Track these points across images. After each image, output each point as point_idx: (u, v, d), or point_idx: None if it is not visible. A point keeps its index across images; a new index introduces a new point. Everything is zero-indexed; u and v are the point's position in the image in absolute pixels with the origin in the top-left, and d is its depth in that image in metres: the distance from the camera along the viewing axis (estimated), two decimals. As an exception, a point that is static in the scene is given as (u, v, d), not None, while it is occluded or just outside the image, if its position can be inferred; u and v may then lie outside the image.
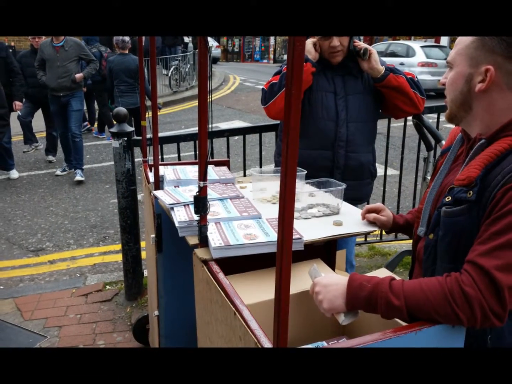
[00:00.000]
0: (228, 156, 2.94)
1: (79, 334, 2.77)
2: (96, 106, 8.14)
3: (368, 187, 2.38)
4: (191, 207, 1.45)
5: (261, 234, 1.35)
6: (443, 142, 2.79)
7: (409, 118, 2.92)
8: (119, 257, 3.65)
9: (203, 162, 1.25)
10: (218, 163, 2.21)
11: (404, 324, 1.02)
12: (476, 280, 0.97)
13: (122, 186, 2.91)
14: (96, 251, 3.99)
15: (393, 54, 12.58)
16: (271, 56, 31.45)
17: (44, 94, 5.81)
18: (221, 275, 1.19)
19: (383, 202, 3.52)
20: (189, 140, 2.94)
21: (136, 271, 3.10)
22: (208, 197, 1.31)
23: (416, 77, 2.24)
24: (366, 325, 1.27)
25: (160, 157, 2.26)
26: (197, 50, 1.26)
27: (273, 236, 1.33)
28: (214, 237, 1.32)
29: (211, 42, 22.15)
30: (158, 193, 1.76)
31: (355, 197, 2.16)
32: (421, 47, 12.30)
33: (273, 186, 1.82)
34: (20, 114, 6.18)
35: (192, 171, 2.01)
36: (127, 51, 6.26)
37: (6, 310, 3.00)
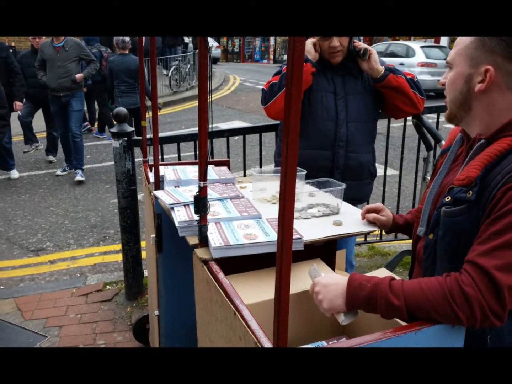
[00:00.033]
0: (228, 156, 2.94)
1: (80, 334, 2.77)
2: (96, 106, 8.14)
3: (368, 187, 2.38)
4: (191, 207, 1.45)
5: (261, 234, 1.35)
6: (443, 142, 2.79)
7: (409, 118, 2.92)
8: (119, 257, 3.65)
9: (203, 162, 1.25)
10: (218, 163, 2.21)
11: (403, 324, 1.02)
12: (475, 280, 0.97)
13: (122, 186, 2.91)
14: (96, 251, 3.99)
15: (393, 54, 12.58)
16: (271, 56, 31.45)
17: (45, 94, 5.81)
18: (221, 275, 1.20)
19: (383, 202, 3.52)
20: (189, 140, 2.94)
21: (136, 271, 3.10)
22: (208, 197, 1.31)
23: (416, 77, 2.24)
24: (366, 325, 1.27)
25: (160, 157, 2.26)
26: (197, 51, 1.26)
27: (273, 236, 1.33)
28: (214, 237, 1.32)
29: (211, 42, 22.15)
30: (158, 193, 1.76)
31: (355, 197, 2.16)
32: (421, 47, 12.30)
33: (273, 186, 1.82)
34: (20, 114, 6.18)
35: (192, 171, 2.01)
36: (127, 51, 6.27)
37: (6, 310, 3.00)
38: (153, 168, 1.93)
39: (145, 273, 3.18)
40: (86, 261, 3.80)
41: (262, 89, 2.26)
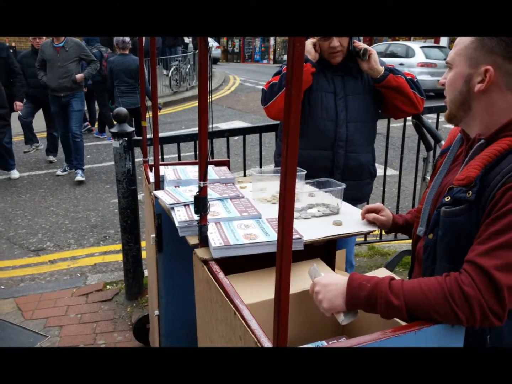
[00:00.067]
0: (228, 156, 2.94)
1: (80, 334, 2.77)
2: (96, 106, 8.15)
3: (367, 187, 2.38)
4: (191, 207, 1.45)
5: (261, 234, 1.35)
6: (443, 142, 2.79)
7: (409, 118, 2.92)
8: (119, 257, 3.65)
9: (203, 162, 1.25)
10: (218, 163, 2.21)
11: (403, 323, 1.03)
12: (475, 280, 0.97)
13: (123, 186, 2.91)
14: (96, 251, 4.00)
15: (393, 55, 12.58)
16: (271, 56, 31.45)
17: (45, 95, 5.82)
18: (221, 275, 1.20)
19: (382, 202, 3.52)
20: (189, 140, 2.94)
21: (137, 271, 3.10)
22: (208, 197, 1.31)
23: (416, 78, 2.25)
24: (365, 325, 1.27)
25: (160, 157, 2.26)
26: (197, 51, 1.26)
27: (273, 236, 1.33)
28: (214, 237, 1.32)
29: (211, 42, 22.14)
30: (158, 193, 1.76)
31: (354, 197, 2.16)
32: (421, 47, 12.30)
33: (273, 186, 1.83)
34: (21, 114, 6.18)
35: (192, 171, 2.01)
36: (127, 52, 6.27)
37: (7, 309, 3.00)
38: (153, 168, 1.93)
39: (145, 273, 3.19)
40: (86, 261, 3.81)
41: (262, 89, 2.26)
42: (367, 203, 2.35)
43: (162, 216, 1.85)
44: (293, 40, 0.68)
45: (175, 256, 1.91)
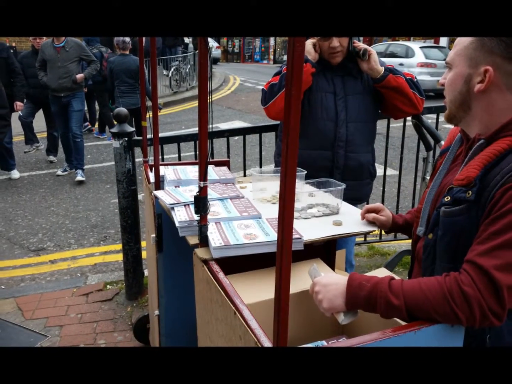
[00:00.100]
0: (228, 156, 2.95)
1: (80, 334, 2.77)
2: (96, 107, 8.15)
3: (367, 187, 2.38)
4: (192, 207, 1.45)
5: (261, 234, 1.35)
6: (442, 142, 2.79)
7: (409, 118, 2.93)
8: (119, 257, 3.65)
9: (203, 162, 1.25)
10: (218, 163, 2.21)
11: (403, 323, 1.03)
12: (475, 280, 0.97)
13: (123, 186, 2.92)
14: (96, 251, 4.00)
15: (393, 55, 12.58)
16: (271, 56, 31.44)
17: (45, 95, 5.82)
18: (221, 275, 1.20)
19: (382, 202, 3.53)
20: (190, 140, 2.94)
21: (137, 270, 3.10)
22: (208, 197, 1.32)
23: (415, 78, 2.25)
24: (365, 325, 1.27)
25: (160, 157, 2.27)
26: (197, 51, 1.26)
27: (273, 236, 1.33)
28: (214, 237, 1.32)
29: (211, 42, 22.15)
30: (158, 193, 1.76)
31: (354, 197, 2.16)
32: (420, 47, 12.30)
33: (273, 186, 1.83)
34: (21, 114, 6.19)
35: (192, 171, 2.01)
36: (127, 52, 6.27)
37: (7, 309, 3.00)
38: (153, 168, 1.93)
39: (146, 272, 3.19)
40: (86, 261, 3.81)
41: (262, 89, 2.26)
42: (367, 203, 2.35)
43: (162, 216, 1.85)
44: (293, 40, 0.68)
45: (175, 256, 1.91)
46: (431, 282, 1.01)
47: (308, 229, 1.47)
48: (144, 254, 3.09)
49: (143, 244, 3.03)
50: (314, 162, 2.18)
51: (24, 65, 5.98)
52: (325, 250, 1.65)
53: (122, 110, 2.90)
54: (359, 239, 3.62)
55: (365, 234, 3.07)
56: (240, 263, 1.33)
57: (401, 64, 11.45)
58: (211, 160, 2.34)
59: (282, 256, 0.78)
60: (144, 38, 2.83)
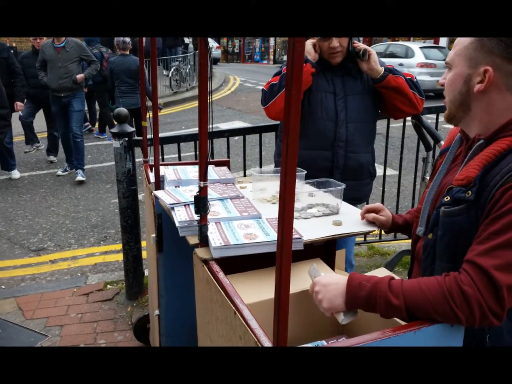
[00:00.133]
0: (228, 156, 2.95)
1: (80, 333, 2.77)
2: (97, 107, 8.15)
3: (367, 187, 2.38)
4: (192, 207, 1.45)
5: (261, 233, 1.36)
6: (442, 143, 2.79)
7: (408, 118, 2.93)
8: (120, 257, 3.66)
9: (203, 162, 1.26)
10: (218, 163, 2.21)
11: (403, 323, 1.03)
12: (474, 280, 0.98)
13: (123, 186, 2.92)
14: (97, 251, 4.00)
15: (392, 55, 12.58)
16: (271, 57, 31.44)
17: (46, 95, 5.82)
18: (221, 275, 1.20)
19: (382, 202, 3.53)
20: (190, 140, 2.94)
21: (137, 270, 3.10)
22: (209, 197, 1.32)
23: (415, 78, 2.25)
24: (365, 324, 1.27)
25: (160, 157, 2.27)
26: (197, 51, 1.26)
27: (273, 235, 1.34)
28: (214, 237, 1.33)
29: (211, 43, 22.15)
30: (158, 193, 1.77)
31: (354, 197, 2.17)
32: (420, 48, 12.30)
33: (273, 186, 1.83)
34: (21, 114, 6.19)
35: (192, 171, 2.02)
36: (128, 52, 6.27)
37: (7, 309, 3.00)
38: (153, 168, 1.93)
39: (146, 272, 3.19)
40: (86, 261, 3.81)
41: (262, 89, 2.26)
42: (367, 203, 2.35)
43: (163, 216, 1.86)
44: (293, 40, 0.68)
45: (175, 256, 1.91)
46: (430, 282, 1.01)
47: (308, 229, 1.47)
48: (144, 254, 3.10)
49: (143, 244, 3.03)
50: (314, 162, 2.18)
51: (25, 65, 5.98)
52: (325, 250, 1.65)
53: (122, 110, 2.90)
54: (359, 239, 3.63)
55: (365, 234, 3.07)
56: (240, 263, 1.33)
57: (400, 65, 11.45)
58: (211, 160, 2.34)
59: (282, 256, 0.78)
60: (144, 39, 2.83)
